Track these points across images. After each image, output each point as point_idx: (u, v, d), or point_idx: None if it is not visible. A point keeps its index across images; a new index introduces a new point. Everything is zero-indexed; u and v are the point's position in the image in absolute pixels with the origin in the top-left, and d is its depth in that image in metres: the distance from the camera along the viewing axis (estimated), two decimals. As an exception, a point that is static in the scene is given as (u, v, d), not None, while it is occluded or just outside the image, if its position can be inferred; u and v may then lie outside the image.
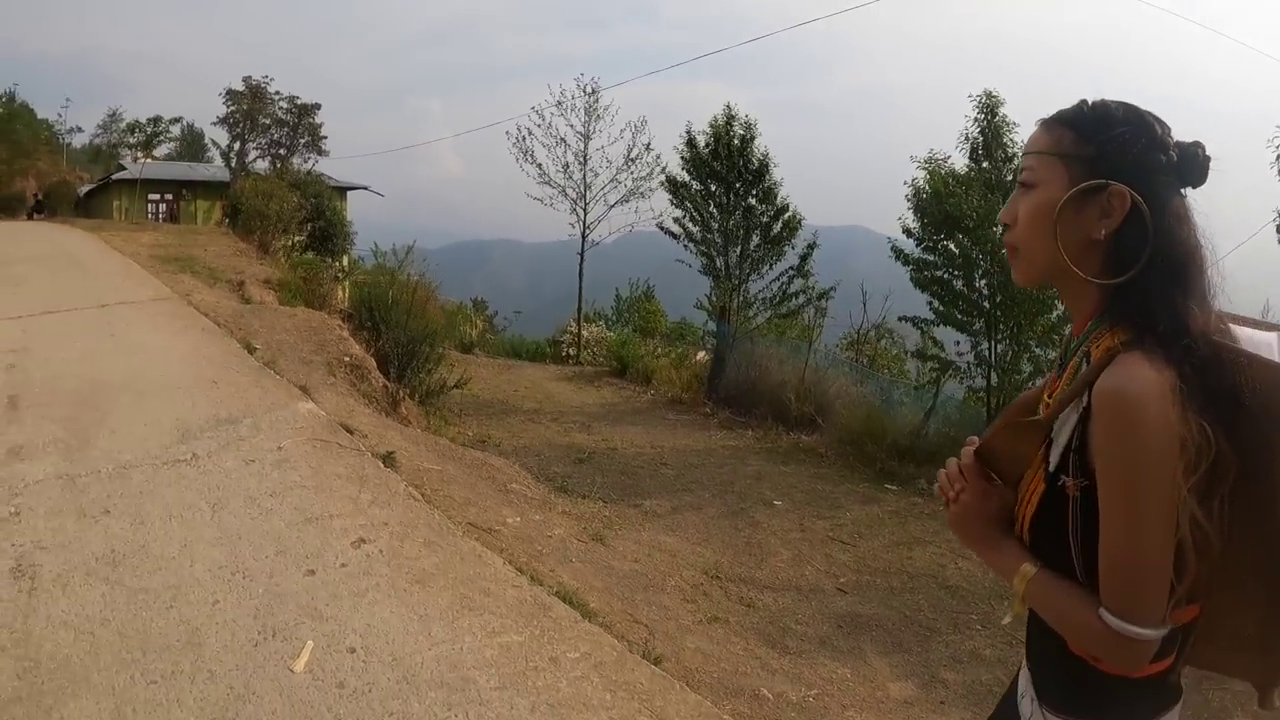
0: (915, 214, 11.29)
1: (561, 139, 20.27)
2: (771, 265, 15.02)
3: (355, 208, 30.47)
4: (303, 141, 28.93)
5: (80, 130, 43.31)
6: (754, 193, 15.02)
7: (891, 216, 11.96)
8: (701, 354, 16.37)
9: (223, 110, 28.28)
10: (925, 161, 11.36)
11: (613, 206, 20.17)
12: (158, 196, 32.14)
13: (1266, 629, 1.30)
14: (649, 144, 19.86)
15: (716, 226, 15.13)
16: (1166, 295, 1.23)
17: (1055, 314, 10.22)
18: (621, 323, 24.30)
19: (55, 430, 5.36)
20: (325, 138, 29.49)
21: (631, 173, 19.87)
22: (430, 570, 3.97)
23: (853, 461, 9.71)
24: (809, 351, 12.71)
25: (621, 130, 20.14)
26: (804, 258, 14.94)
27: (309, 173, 26.32)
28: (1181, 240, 1.26)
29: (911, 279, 11.38)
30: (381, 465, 5.26)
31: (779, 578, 6.12)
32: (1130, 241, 1.25)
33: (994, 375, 10.83)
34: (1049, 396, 1.38)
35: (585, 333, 19.92)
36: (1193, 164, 1.28)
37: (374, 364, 8.73)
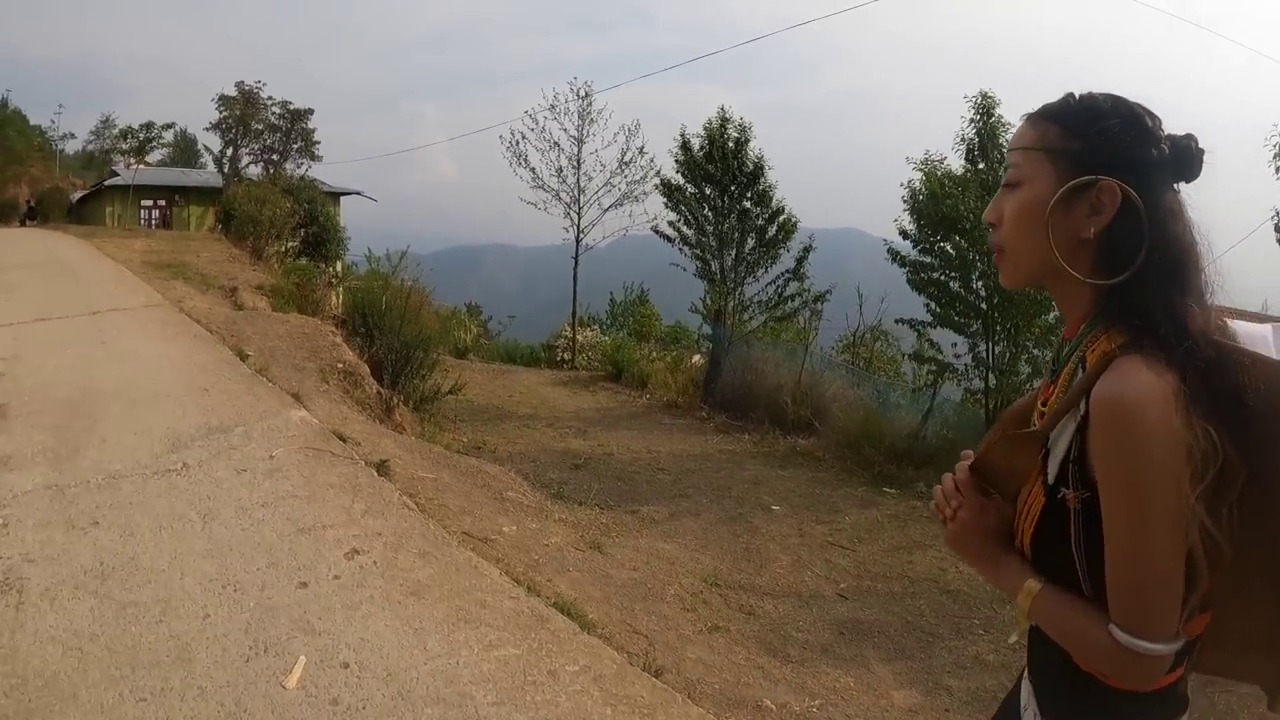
0: (912, 216, 11.27)
1: (555, 143, 20.21)
2: (767, 268, 15.00)
3: (348, 213, 30.38)
4: (295, 147, 28.89)
5: (73, 136, 43.34)
6: (749, 195, 15.01)
7: (886, 219, 11.94)
8: (697, 358, 16.33)
9: (215, 116, 28.23)
10: (921, 163, 11.34)
11: (606, 210, 20.10)
12: (150, 203, 32.06)
13: (1276, 631, 1.25)
14: (642, 147, 19.81)
15: (711, 230, 15.11)
16: (1164, 294, 1.18)
17: (1053, 314, 10.16)
18: (616, 327, 24.22)
19: (45, 439, 5.30)
20: (318, 143, 29.48)
21: (625, 176, 19.80)
22: (425, 582, 3.90)
23: (850, 465, 9.65)
24: (805, 355, 12.67)
25: (615, 134, 20.07)
26: (800, 260, 14.93)
27: (302, 178, 26.26)
28: (1177, 236, 1.22)
29: (908, 281, 11.35)
30: (375, 474, 5.19)
31: (779, 584, 6.05)
32: (1122, 239, 1.20)
33: (992, 377, 10.79)
34: (1043, 405, 1.34)
35: (580, 337, 19.83)
36: (1186, 157, 1.23)
37: (367, 370, 8.68)
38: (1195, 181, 1.26)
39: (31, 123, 43.42)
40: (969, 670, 5.04)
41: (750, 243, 14.86)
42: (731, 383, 12.81)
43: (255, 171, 27.93)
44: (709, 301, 15.47)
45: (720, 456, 10.04)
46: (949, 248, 10.92)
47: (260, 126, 28.42)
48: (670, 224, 15.66)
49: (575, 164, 20.11)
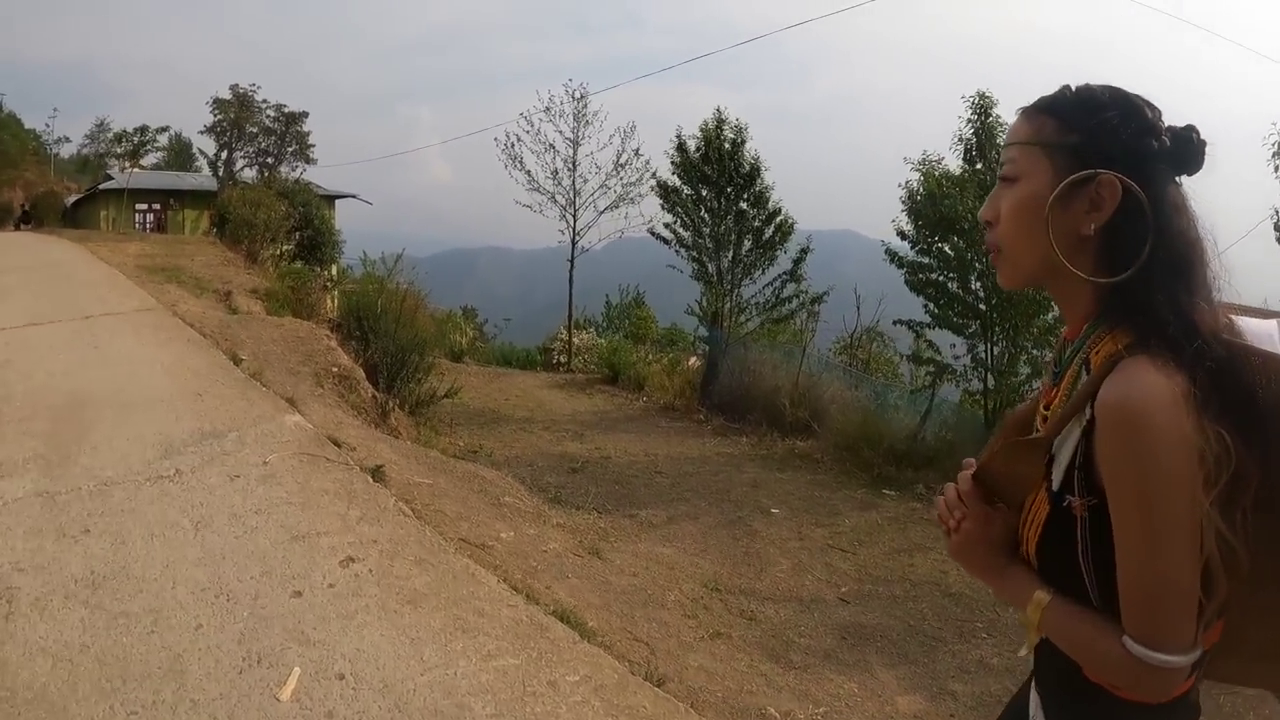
0: (910, 216, 11.23)
1: (550, 145, 20.19)
2: (764, 270, 14.97)
3: (343, 216, 30.32)
4: (290, 150, 28.89)
5: (68, 140, 43.33)
6: (745, 197, 14.99)
7: (882, 220, 11.90)
8: (693, 360, 16.30)
9: (210, 119, 28.19)
10: (919, 163, 11.30)
11: (602, 212, 20.07)
12: (145, 206, 31.97)
13: None
14: (638, 149, 19.78)
15: (708, 231, 15.09)
16: (1170, 292, 1.13)
17: (1051, 315, 10.13)
18: (612, 329, 24.19)
19: (36, 445, 5.23)
20: (313, 146, 29.50)
21: (621, 178, 19.78)
22: (422, 590, 3.84)
23: (849, 467, 9.61)
24: (803, 356, 12.63)
25: (611, 136, 20.06)
26: (797, 262, 14.90)
27: (297, 181, 26.23)
28: (1181, 230, 1.17)
29: (906, 282, 11.31)
30: (370, 480, 5.13)
31: (779, 588, 6.00)
32: (1124, 235, 1.16)
33: (990, 378, 10.75)
34: (1046, 409, 1.29)
35: (576, 340, 19.80)
36: (1187, 149, 1.19)
37: (363, 374, 8.62)
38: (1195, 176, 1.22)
39: (26, 126, 43.41)
40: (973, 675, 4.99)
41: (747, 244, 14.84)
42: (729, 385, 12.77)
43: (250, 175, 27.96)
44: (705, 304, 15.44)
45: (718, 459, 9.99)
46: (947, 248, 10.88)
47: (255, 130, 28.45)
48: (667, 226, 15.64)
49: (571, 166, 20.11)
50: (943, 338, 11.54)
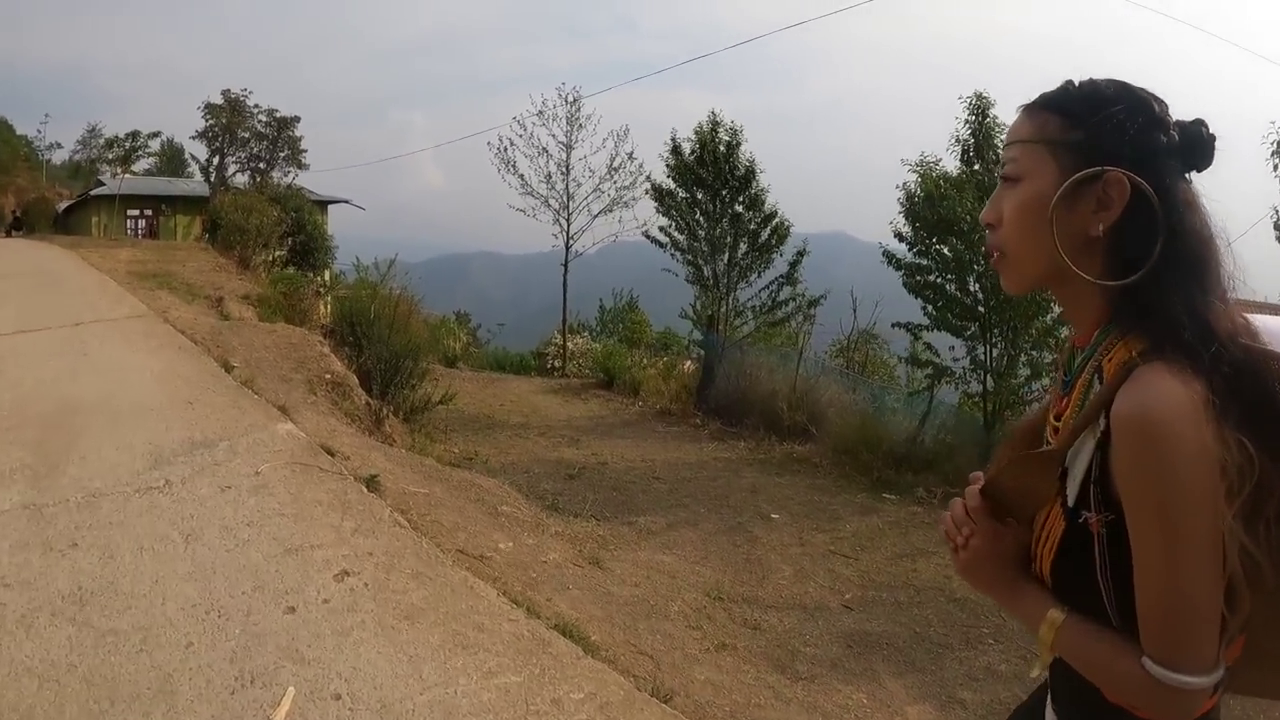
0: (907, 218, 11.15)
1: (544, 149, 20.16)
2: (760, 273, 14.91)
3: (336, 221, 30.29)
4: (282, 155, 28.81)
5: (60, 146, 43.30)
6: (741, 199, 14.93)
7: (874, 223, 11.85)
8: (688, 363, 16.23)
9: (202, 124, 28.11)
10: (917, 164, 11.23)
11: (596, 216, 20.03)
12: (136, 212, 31.94)
13: None
14: (631, 153, 19.75)
15: (703, 234, 15.01)
16: (1185, 293, 1.08)
17: (1050, 315, 10.07)
18: (606, 334, 24.16)
19: (23, 456, 5.12)
20: (305, 151, 29.43)
21: (614, 182, 19.76)
22: (419, 604, 3.73)
23: (848, 471, 9.57)
24: (799, 360, 12.57)
25: (604, 139, 20.02)
26: (793, 265, 14.85)
27: (289, 186, 26.19)
28: (1194, 229, 1.12)
29: (904, 284, 11.24)
30: (365, 490, 5.02)
31: (782, 596, 5.92)
32: (1135, 235, 1.11)
33: (990, 379, 10.69)
34: (1056, 420, 1.23)
35: (570, 344, 19.74)
36: (1197, 144, 1.14)
37: (356, 381, 8.52)
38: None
39: (18, 133, 43.37)
40: (981, 682, 4.94)
41: (743, 247, 14.77)
42: (725, 389, 12.71)
43: (242, 180, 27.88)
44: (698, 307, 15.38)
45: (716, 464, 9.93)
46: (945, 250, 10.81)
47: (247, 135, 28.36)
48: (662, 229, 15.57)
49: (564, 170, 20.07)
50: (940, 340, 11.47)
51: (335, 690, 3.02)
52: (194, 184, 32.25)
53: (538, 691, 3.18)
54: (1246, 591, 1.04)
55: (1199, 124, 1.14)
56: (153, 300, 10.95)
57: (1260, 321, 1.14)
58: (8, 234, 28.56)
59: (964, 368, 11.03)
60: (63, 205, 35.73)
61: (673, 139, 15.53)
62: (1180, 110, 1.15)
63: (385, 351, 9.36)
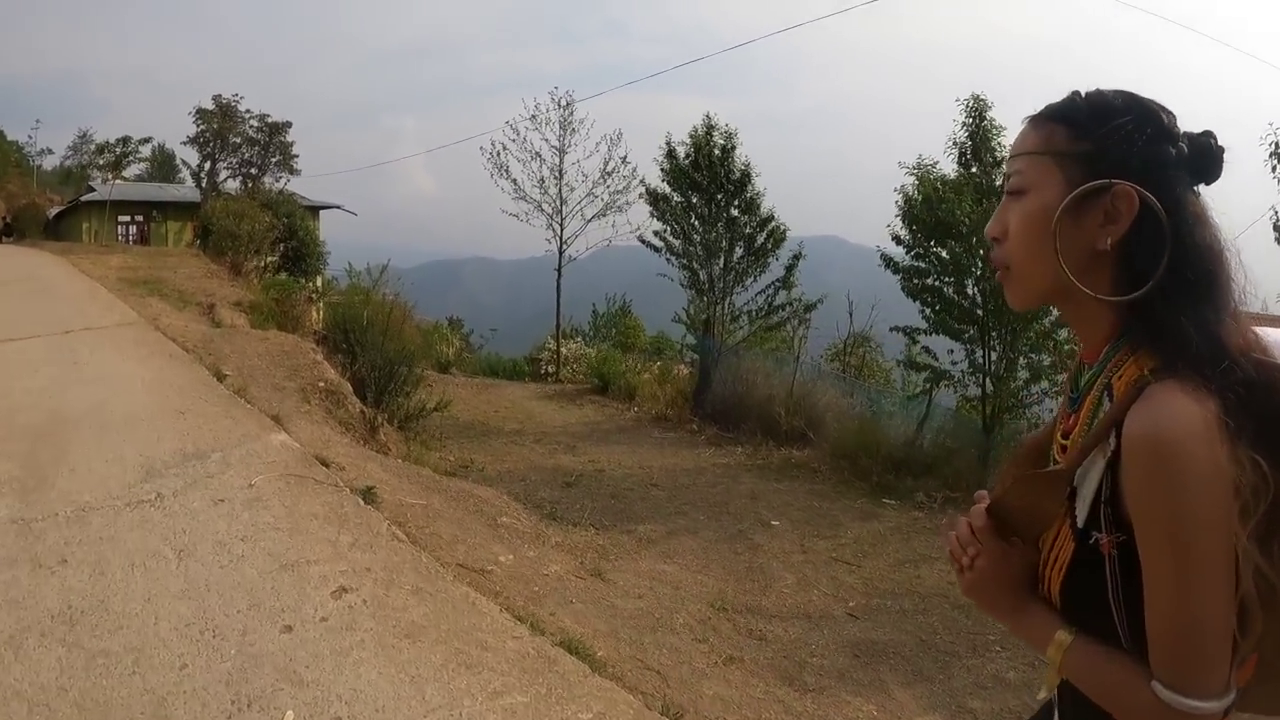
0: (905, 221, 11.09)
1: (536, 153, 20.02)
2: (756, 277, 14.83)
3: (328, 227, 30.19)
4: (274, 160, 28.76)
5: (50, 152, 43.20)
6: (736, 203, 14.84)
7: (867, 226, 11.80)
8: (682, 368, 16.14)
9: (193, 130, 28.01)
10: (914, 168, 11.17)
11: (589, 221, 19.92)
12: (127, 218, 31.81)
13: None
14: (625, 157, 19.65)
15: (699, 239, 14.92)
16: (1196, 309, 1.06)
17: (1049, 318, 10.02)
18: (599, 339, 24.08)
19: (11, 468, 5.03)
20: (297, 156, 29.38)
21: (608, 186, 19.64)
22: (420, 622, 3.64)
23: (848, 476, 9.51)
24: (796, 364, 12.50)
25: (597, 144, 19.91)
26: (789, 269, 14.76)
27: (281, 192, 26.09)
28: (1204, 243, 1.10)
29: (902, 287, 11.18)
30: (361, 502, 4.93)
31: (786, 605, 5.84)
32: (1143, 249, 1.09)
33: (989, 383, 10.63)
34: (1064, 438, 1.22)
35: (564, 349, 19.63)
36: (1206, 156, 1.12)
37: (350, 388, 8.43)
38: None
39: (9, 138, 43.24)
40: (990, 690, 4.88)
41: (739, 251, 14.68)
42: (722, 394, 12.64)
43: (233, 185, 27.81)
44: (692, 311, 15.30)
45: (714, 470, 9.85)
46: (944, 253, 10.75)
47: (238, 140, 28.31)
48: (656, 233, 15.47)
49: (557, 175, 19.95)
50: (938, 343, 11.42)
51: (335, 713, 2.93)
52: (185, 190, 32.17)
53: (545, 712, 3.10)
54: (1259, 612, 1.02)
55: (1208, 135, 1.12)
56: (144, 307, 10.88)
57: (1269, 336, 1.11)
58: (-2, 241, 28.44)
59: (963, 371, 10.98)
60: (53, 211, 35.64)
61: (667, 143, 15.45)
62: (1179, 110, 1.12)
63: (379, 358, 9.28)
